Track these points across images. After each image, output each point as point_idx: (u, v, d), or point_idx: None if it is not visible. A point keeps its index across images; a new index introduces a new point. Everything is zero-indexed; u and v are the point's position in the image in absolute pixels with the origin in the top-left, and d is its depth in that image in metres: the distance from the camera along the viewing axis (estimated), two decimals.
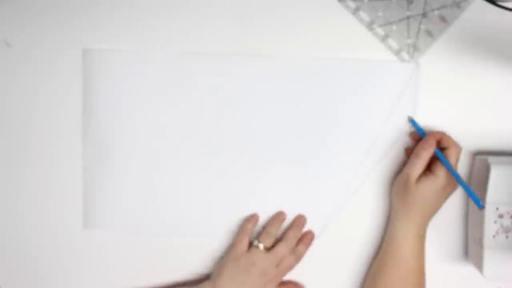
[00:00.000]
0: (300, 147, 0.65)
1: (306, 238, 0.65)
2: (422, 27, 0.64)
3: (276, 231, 0.64)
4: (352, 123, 0.65)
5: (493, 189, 0.59)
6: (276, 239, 0.64)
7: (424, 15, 0.64)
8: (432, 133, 0.61)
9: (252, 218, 0.65)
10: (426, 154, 0.60)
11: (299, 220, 0.65)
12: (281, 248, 0.63)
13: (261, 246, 0.63)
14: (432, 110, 0.64)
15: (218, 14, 0.64)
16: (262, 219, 0.65)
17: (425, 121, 0.64)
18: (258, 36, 0.64)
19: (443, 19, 0.64)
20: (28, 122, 0.65)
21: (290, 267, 0.64)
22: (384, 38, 0.64)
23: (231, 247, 0.64)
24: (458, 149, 0.60)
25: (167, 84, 0.64)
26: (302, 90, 0.64)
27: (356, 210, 0.66)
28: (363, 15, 0.64)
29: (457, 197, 0.65)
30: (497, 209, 0.59)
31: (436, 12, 0.64)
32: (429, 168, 0.60)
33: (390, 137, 0.65)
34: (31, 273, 0.67)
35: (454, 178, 0.59)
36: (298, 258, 0.64)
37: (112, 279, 0.67)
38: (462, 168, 0.65)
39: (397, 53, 0.64)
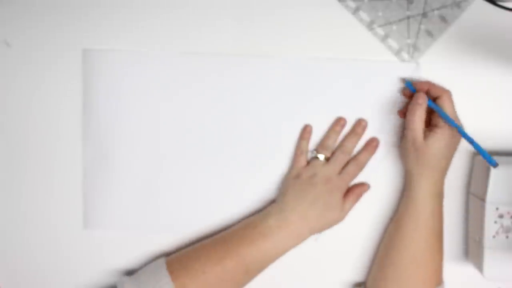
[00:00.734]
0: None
1: (369, 145, 0.64)
2: (422, 27, 0.64)
3: (334, 141, 0.64)
4: (352, 123, 0.65)
5: (493, 189, 0.59)
6: (336, 148, 0.64)
7: (424, 15, 0.64)
8: (420, 88, 0.60)
9: (305, 134, 0.64)
10: (420, 109, 0.59)
11: (358, 125, 0.64)
12: (339, 155, 0.63)
13: (320, 156, 0.63)
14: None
15: (218, 14, 0.64)
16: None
17: None
18: (258, 36, 0.64)
19: (443, 19, 0.64)
20: (28, 122, 0.65)
21: (352, 174, 0.63)
22: (384, 38, 0.64)
23: (290, 167, 0.64)
24: (448, 92, 0.60)
25: (167, 84, 0.64)
26: (302, 90, 0.64)
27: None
28: (363, 15, 0.64)
29: (458, 197, 0.65)
30: (497, 209, 0.59)
31: (436, 12, 0.64)
32: (430, 122, 0.60)
33: (390, 136, 0.65)
34: (31, 273, 0.67)
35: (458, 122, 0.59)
36: (359, 165, 0.63)
37: (112, 279, 0.67)
38: (462, 168, 0.65)
39: (397, 53, 0.64)
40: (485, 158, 0.58)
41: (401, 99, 0.64)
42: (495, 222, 0.60)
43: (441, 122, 0.59)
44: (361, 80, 0.64)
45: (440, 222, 0.61)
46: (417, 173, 0.60)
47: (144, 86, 0.64)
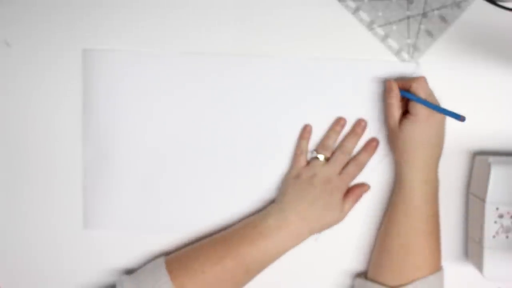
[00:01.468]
0: None
1: (368, 146, 0.64)
2: (422, 27, 0.64)
3: (334, 142, 0.64)
4: (352, 123, 0.65)
5: (493, 189, 0.59)
6: (335, 149, 0.64)
7: (424, 15, 0.64)
8: (390, 82, 0.61)
9: (305, 134, 0.64)
10: (393, 99, 0.60)
11: (358, 126, 0.64)
12: (339, 155, 0.63)
13: (320, 157, 0.63)
14: None
15: (218, 14, 0.64)
16: None
17: None
18: (258, 36, 0.64)
19: (443, 19, 0.64)
20: (28, 122, 0.65)
21: (352, 175, 0.63)
22: (384, 38, 0.64)
23: (290, 167, 0.64)
24: (420, 79, 0.60)
25: (167, 85, 0.64)
26: (302, 90, 0.64)
27: None
28: (363, 15, 0.64)
29: (457, 197, 0.65)
30: (497, 209, 0.59)
31: (436, 12, 0.64)
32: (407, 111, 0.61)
33: (386, 139, 0.65)
34: (31, 273, 0.67)
35: (432, 110, 0.59)
36: (359, 166, 0.63)
37: (112, 279, 0.67)
38: (462, 168, 0.65)
39: (397, 53, 0.64)
40: (451, 115, 0.58)
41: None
42: (495, 222, 0.60)
43: (413, 108, 0.59)
44: (361, 80, 0.64)
45: (433, 208, 0.61)
46: (402, 161, 0.61)
47: (144, 86, 0.64)
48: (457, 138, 0.63)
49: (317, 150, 0.64)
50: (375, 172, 0.65)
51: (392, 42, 0.64)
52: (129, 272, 0.64)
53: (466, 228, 0.65)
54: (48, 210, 0.66)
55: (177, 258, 0.61)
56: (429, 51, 0.64)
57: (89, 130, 0.65)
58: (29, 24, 0.64)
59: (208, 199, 0.66)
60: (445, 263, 0.62)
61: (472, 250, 0.64)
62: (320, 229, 0.62)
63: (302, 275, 0.67)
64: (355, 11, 0.64)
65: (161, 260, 0.61)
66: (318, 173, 0.62)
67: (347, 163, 0.63)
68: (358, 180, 0.65)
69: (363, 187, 0.64)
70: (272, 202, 0.65)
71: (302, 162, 0.64)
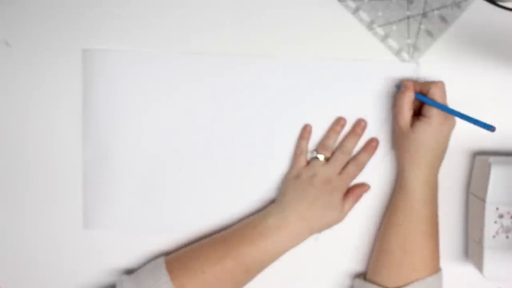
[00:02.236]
0: None
1: (368, 146, 0.64)
2: (422, 27, 0.64)
3: (333, 141, 0.64)
4: (352, 123, 0.65)
5: (493, 189, 0.59)
6: (335, 149, 0.64)
7: (424, 15, 0.64)
8: (407, 82, 0.60)
9: (305, 133, 0.64)
10: (406, 99, 0.60)
11: (358, 126, 0.64)
12: (338, 155, 0.63)
13: (320, 157, 0.63)
14: None
15: (218, 14, 0.64)
16: None
17: None
18: (258, 36, 0.64)
19: (443, 19, 0.64)
20: (28, 122, 0.65)
21: (352, 175, 0.63)
22: (384, 38, 0.64)
23: (290, 167, 0.64)
24: (439, 84, 0.60)
25: (167, 85, 0.64)
26: (302, 90, 0.64)
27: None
28: (363, 15, 0.64)
29: (457, 197, 0.65)
30: (497, 209, 0.59)
31: (436, 12, 0.64)
32: (421, 113, 0.60)
33: (390, 137, 0.65)
34: (31, 273, 0.67)
35: (447, 114, 0.59)
36: (359, 166, 0.63)
37: (112, 279, 0.67)
38: (462, 168, 0.65)
39: (397, 53, 0.64)
40: (481, 126, 0.57)
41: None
42: (495, 222, 0.60)
43: (428, 111, 0.59)
44: (361, 80, 0.64)
45: (433, 210, 0.61)
46: (406, 162, 0.61)
47: (144, 86, 0.64)
48: (457, 138, 0.63)
49: (317, 150, 0.64)
50: (376, 173, 0.65)
51: (392, 42, 0.64)
52: (129, 272, 0.64)
53: (466, 228, 0.65)
54: (48, 210, 0.66)
55: (177, 258, 0.61)
56: (429, 51, 0.64)
57: (89, 130, 0.65)
58: (29, 24, 0.64)
59: (208, 199, 0.66)
60: (445, 263, 0.62)
61: (472, 250, 0.64)
62: (320, 229, 0.62)
63: (302, 275, 0.67)
64: (355, 11, 0.64)
65: (161, 260, 0.61)
66: (318, 173, 0.62)
67: (347, 163, 0.63)
68: (358, 180, 0.65)
69: (363, 187, 0.64)
70: (272, 202, 0.65)
71: (302, 162, 0.64)
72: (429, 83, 0.60)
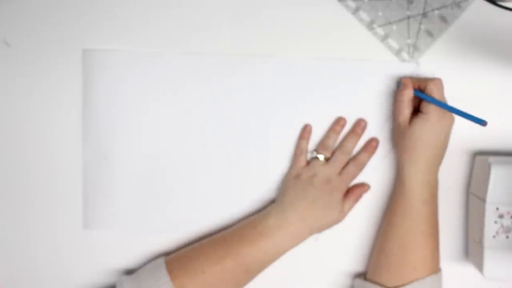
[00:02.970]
0: None
1: (368, 145, 0.64)
2: (422, 27, 0.64)
3: (333, 141, 0.64)
4: (352, 123, 0.64)
5: (494, 189, 0.59)
6: (335, 149, 0.64)
7: (424, 15, 0.64)
8: (406, 79, 0.61)
9: (305, 133, 0.64)
10: (405, 96, 0.60)
11: (358, 126, 0.64)
12: (338, 155, 0.63)
13: (320, 157, 0.63)
14: None
15: (218, 14, 0.64)
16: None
17: None
18: (258, 36, 0.64)
19: (443, 19, 0.64)
20: (28, 122, 0.65)
21: (352, 175, 0.63)
22: (384, 38, 0.64)
23: (290, 167, 0.64)
24: (437, 81, 0.60)
25: (167, 85, 0.64)
26: (302, 90, 0.64)
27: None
28: (363, 15, 0.64)
29: (458, 197, 0.65)
30: (497, 209, 0.59)
31: (436, 12, 0.63)
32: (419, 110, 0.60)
33: (390, 136, 0.65)
34: (31, 273, 0.67)
35: (444, 110, 0.59)
36: (359, 166, 0.63)
37: (112, 279, 0.67)
38: (462, 168, 0.65)
39: (397, 53, 0.64)
40: (472, 120, 0.57)
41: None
42: (495, 222, 0.60)
43: (425, 108, 0.59)
44: (361, 80, 0.64)
45: (432, 209, 0.61)
46: (404, 160, 0.60)
47: (144, 86, 0.64)
48: (458, 138, 0.63)
49: (317, 150, 0.64)
50: (376, 173, 0.65)
51: (392, 42, 0.64)
52: (129, 272, 0.64)
53: (466, 228, 0.65)
54: (48, 210, 0.66)
55: (177, 258, 0.61)
56: (429, 51, 0.64)
57: (89, 130, 0.65)
58: (29, 24, 0.64)
59: (208, 199, 0.65)
60: (445, 263, 0.62)
61: (472, 250, 0.64)
62: (320, 229, 0.62)
63: (302, 275, 0.67)
64: (355, 11, 0.64)
65: (161, 260, 0.61)
66: (318, 173, 0.62)
67: (347, 163, 0.63)
68: (358, 180, 0.65)
69: (363, 187, 0.64)
70: (272, 202, 0.65)
71: (302, 162, 0.64)
72: (427, 80, 0.60)
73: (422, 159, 0.59)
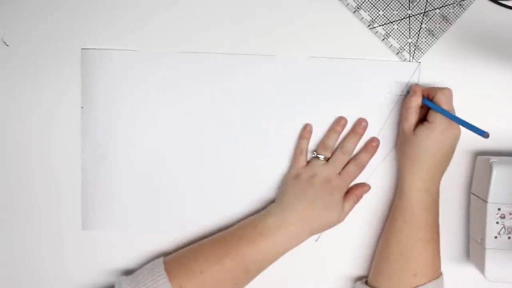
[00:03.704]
0: None
1: (369, 145, 0.64)
2: (424, 26, 0.63)
3: (334, 141, 0.63)
4: (352, 123, 0.64)
5: (495, 190, 0.59)
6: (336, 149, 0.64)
7: (425, 14, 0.63)
8: (416, 86, 0.61)
9: (305, 133, 0.64)
10: (413, 103, 0.60)
11: (359, 125, 0.64)
12: (338, 155, 0.62)
13: (320, 157, 0.63)
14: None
15: (218, 14, 0.64)
16: None
17: None
18: (258, 35, 0.64)
19: (444, 18, 0.63)
20: (27, 122, 0.65)
21: (352, 175, 0.63)
22: (385, 37, 0.64)
23: (290, 167, 0.64)
24: (446, 90, 0.59)
25: (166, 84, 0.64)
26: (302, 90, 0.64)
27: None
28: (364, 14, 0.64)
29: (459, 197, 0.65)
30: (499, 209, 0.59)
31: (437, 11, 0.63)
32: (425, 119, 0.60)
33: (390, 137, 0.64)
34: (30, 273, 0.67)
35: (451, 121, 0.59)
36: (359, 166, 0.63)
37: (110, 280, 0.67)
38: (464, 169, 0.65)
39: (398, 52, 0.64)
40: (474, 131, 0.57)
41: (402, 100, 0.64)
42: (497, 222, 0.59)
43: (431, 117, 0.59)
44: (362, 79, 0.64)
45: (432, 216, 0.60)
46: (406, 167, 0.60)
47: (143, 85, 0.64)
48: (459, 139, 0.63)
49: (317, 150, 0.63)
50: (377, 175, 0.65)
51: (393, 41, 0.64)
52: (128, 272, 0.64)
53: (468, 228, 0.65)
54: (46, 211, 0.66)
55: (176, 258, 0.61)
56: (431, 50, 0.64)
57: (88, 130, 0.65)
58: (28, 24, 0.64)
59: (208, 199, 0.65)
60: (446, 264, 0.62)
61: (474, 251, 0.63)
62: (320, 230, 0.62)
63: (302, 278, 0.66)
64: (356, 10, 0.63)
65: (160, 261, 0.60)
66: (318, 173, 0.62)
67: (348, 163, 0.63)
68: (360, 181, 0.64)
69: (363, 187, 0.64)
70: (272, 202, 0.64)
71: (302, 162, 0.63)
72: (436, 89, 0.60)
73: (424, 168, 0.59)
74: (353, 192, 0.63)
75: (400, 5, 0.63)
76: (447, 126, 0.58)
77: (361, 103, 0.64)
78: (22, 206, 0.66)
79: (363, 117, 0.64)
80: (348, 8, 0.64)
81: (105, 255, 0.66)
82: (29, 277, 0.67)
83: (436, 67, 0.63)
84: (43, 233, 0.66)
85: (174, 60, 0.64)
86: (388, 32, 0.64)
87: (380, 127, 0.64)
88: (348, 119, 0.64)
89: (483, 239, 0.60)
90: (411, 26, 0.63)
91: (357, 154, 0.64)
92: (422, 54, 0.64)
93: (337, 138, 0.64)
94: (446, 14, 0.63)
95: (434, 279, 0.60)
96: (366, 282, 0.64)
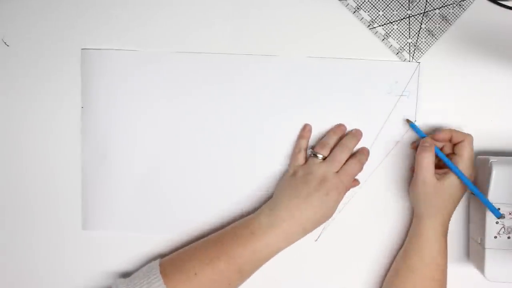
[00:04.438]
0: None
1: (363, 149, 0.64)
2: (423, 26, 0.63)
3: (333, 142, 0.63)
4: (352, 123, 0.64)
5: (495, 190, 0.59)
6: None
7: (425, 14, 0.63)
8: (440, 137, 0.61)
9: (304, 133, 0.64)
10: (428, 151, 0.59)
11: (357, 131, 0.64)
12: (337, 153, 0.62)
13: (318, 155, 0.62)
14: (433, 110, 0.64)
15: (218, 14, 0.64)
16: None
17: (425, 121, 0.64)
18: (258, 36, 0.64)
19: (444, 18, 0.63)
20: (27, 122, 0.65)
21: (351, 173, 0.62)
22: (384, 38, 0.64)
23: (289, 165, 0.64)
24: (469, 139, 0.60)
25: (166, 84, 0.64)
26: (302, 90, 0.64)
27: (368, 214, 0.66)
28: (364, 14, 0.64)
29: None
30: (498, 209, 0.59)
31: (437, 11, 0.63)
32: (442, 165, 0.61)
33: (390, 136, 0.65)
34: (29, 273, 0.67)
35: (472, 164, 0.60)
36: (358, 164, 0.62)
37: (111, 280, 0.67)
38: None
39: (398, 52, 0.64)
40: (490, 209, 0.59)
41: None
42: (497, 223, 0.60)
43: (459, 164, 0.59)
44: (362, 79, 0.64)
45: (445, 258, 0.61)
46: (428, 215, 0.61)
47: (143, 85, 0.64)
48: None
49: (315, 148, 0.63)
50: (375, 173, 0.65)
51: (392, 42, 0.64)
52: (127, 274, 0.64)
53: (468, 229, 0.65)
54: (47, 211, 0.66)
55: (171, 260, 0.61)
56: (430, 50, 0.64)
57: (88, 130, 0.65)
58: (28, 24, 0.64)
59: (207, 199, 0.65)
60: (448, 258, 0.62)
61: (474, 251, 0.63)
62: (313, 227, 0.61)
63: (302, 278, 0.66)
64: (356, 10, 0.64)
65: (156, 263, 0.60)
66: (313, 171, 0.61)
67: (346, 161, 0.62)
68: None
69: (353, 182, 0.64)
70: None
71: (300, 160, 0.63)
72: (460, 135, 0.60)
73: (446, 212, 0.60)
74: None
75: (400, 5, 0.63)
76: (471, 171, 0.60)
77: (361, 103, 0.64)
78: (22, 206, 0.66)
79: (362, 116, 0.64)
80: (348, 8, 0.64)
81: (105, 255, 0.66)
82: (29, 277, 0.67)
83: (435, 67, 0.63)
84: (44, 233, 0.66)
85: (174, 60, 0.64)
86: (388, 32, 0.64)
87: (380, 127, 0.64)
88: (348, 119, 0.64)
89: (482, 239, 0.60)
90: (411, 26, 0.63)
91: (355, 153, 0.63)
92: (421, 54, 0.64)
93: (336, 139, 0.63)
94: (446, 15, 0.63)
95: None
96: None
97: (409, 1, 0.63)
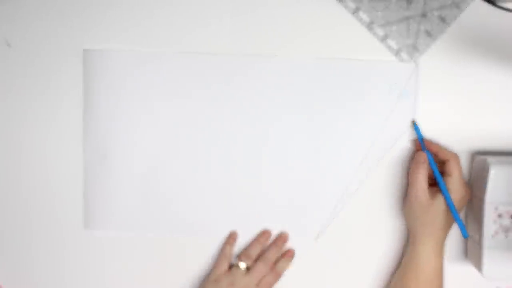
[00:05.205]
0: (299, 148, 0.65)
1: (287, 256, 0.65)
2: (422, 27, 0.64)
3: (256, 251, 0.65)
4: (351, 123, 0.65)
5: (492, 189, 0.59)
6: (257, 257, 0.65)
7: (423, 15, 0.64)
8: (429, 148, 0.61)
9: (230, 239, 0.65)
10: (422, 168, 0.60)
11: (280, 238, 0.65)
12: (260, 267, 0.64)
13: (241, 265, 0.64)
14: (432, 110, 0.64)
15: (218, 14, 0.64)
16: (253, 228, 0.66)
17: (424, 122, 0.64)
18: (258, 36, 0.64)
19: (442, 19, 0.64)
20: (28, 122, 0.65)
21: (269, 285, 0.64)
22: (383, 38, 0.64)
23: (212, 269, 0.65)
24: (457, 159, 0.61)
25: (168, 85, 0.64)
26: (302, 90, 0.64)
27: (366, 227, 0.66)
28: (363, 15, 0.64)
29: None
30: (496, 209, 0.59)
31: (435, 13, 0.64)
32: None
33: (389, 137, 0.65)
34: (31, 273, 0.67)
35: (465, 184, 0.60)
36: (277, 276, 0.65)
37: (112, 280, 0.67)
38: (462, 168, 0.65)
39: (397, 53, 0.64)
40: (460, 227, 0.60)
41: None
42: (494, 221, 0.60)
43: (449, 184, 0.60)
44: (360, 80, 0.64)
45: (440, 277, 0.61)
46: (422, 233, 0.61)
47: (145, 86, 0.64)
48: (456, 138, 0.63)
49: (239, 257, 0.65)
50: (372, 179, 0.65)
51: (391, 42, 0.64)
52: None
53: (466, 227, 0.65)
54: (48, 210, 0.66)
55: None
56: (429, 51, 0.64)
57: (89, 130, 0.65)
58: (30, 24, 0.64)
59: (208, 199, 0.66)
60: (444, 262, 0.62)
61: (472, 250, 0.64)
62: None
63: (302, 278, 0.67)
64: (355, 11, 0.64)
65: None
66: (236, 282, 0.63)
67: (266, 274, 0.64)
68: (357, 180, 0.65)
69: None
70: (271, 201, 0.65)
71: (223, 267, 0.64)
72: (447, 153, 0.61)
73: (442, 232, 0.61)
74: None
75: (399, 6, 0.64)
76: (464, 191, 0.60)
77: (359, 103, 0.64)
78: (24, 206, 0.66)
79: (361, 117, 0.64)
80: (347, 9, 0.64)
81: (107, 255, 0.66)
82: (30, 276, 0.67)
83: (434, 67, 0.64)
84: (45, 232, 0.66)
85: (175, 61, 0.64)
86: (387, 33, 0.64)
87: (378, 128, 0.65)
88: (347, 119, 0.64)
89: (480, 238, 0.60)
90: (409, 27, 0.64)
91: (275, 262, 0.65)
92: (420, 55, 0.64)
93: (260, 248, 0.65)
94: (444, 16, 0.64)
95: None
96: None
97: (407, 3, 0.64)
